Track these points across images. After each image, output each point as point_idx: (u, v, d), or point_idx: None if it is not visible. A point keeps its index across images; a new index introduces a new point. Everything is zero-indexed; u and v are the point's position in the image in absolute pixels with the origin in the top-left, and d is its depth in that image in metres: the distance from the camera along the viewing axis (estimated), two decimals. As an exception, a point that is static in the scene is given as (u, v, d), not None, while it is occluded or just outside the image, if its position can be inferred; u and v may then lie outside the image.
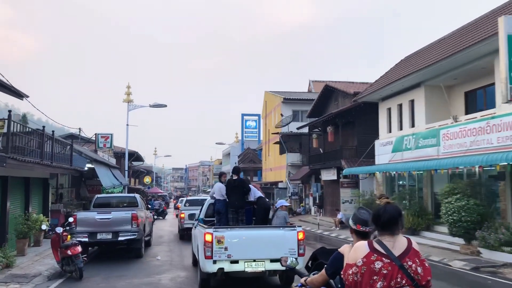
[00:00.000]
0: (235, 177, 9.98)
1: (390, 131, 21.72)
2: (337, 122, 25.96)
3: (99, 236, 12.64)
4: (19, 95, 17.05)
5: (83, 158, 20.25)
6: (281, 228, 8.76)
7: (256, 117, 72.15)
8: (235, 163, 64.64)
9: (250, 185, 10.23)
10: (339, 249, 3.21)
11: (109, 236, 12.65)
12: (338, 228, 23.33)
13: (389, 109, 21.84)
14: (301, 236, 8.49)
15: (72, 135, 34.21)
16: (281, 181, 39.62)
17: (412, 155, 18.56)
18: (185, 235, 19.53)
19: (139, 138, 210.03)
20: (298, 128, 33.34)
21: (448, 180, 17.06)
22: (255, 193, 10.07)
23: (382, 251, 2.61)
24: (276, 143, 41.28)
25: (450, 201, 13.98)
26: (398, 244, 2.64)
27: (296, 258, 4.67)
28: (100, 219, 12.65)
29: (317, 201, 31.55)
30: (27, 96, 17.37)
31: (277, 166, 42.41)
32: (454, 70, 16.85)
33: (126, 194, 17.47)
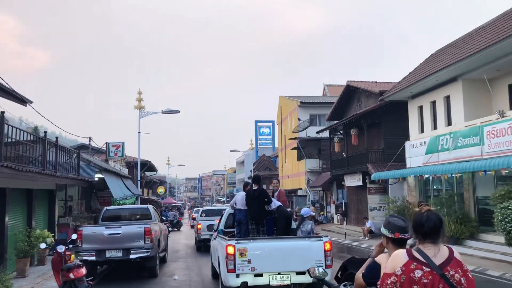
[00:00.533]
0: (255, 187, 9.35)
1: (422, 131, 20.02)
2: (362, 123, 24.29)
3: (108, 254, 11.14)
4: (22, 101, 15.90)
5: (92, 168, 18.87)
6: (306, 238, 8.37)
7: (270, 124, 71.03)
8: (250, 171, 63.12)
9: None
10: (375, 258, 3.09)
11: (120, 254, 11.14)
12: (367, 238, 21.57)
13: (421, 107, 20.15)
14: (328, 246, 8.05)
15: (83, 145, 33.09)
16: (300, 189, 37.93)
17: (450, 156, 16.84)
18: (202, 246, 18.63)
19: (151, 147, 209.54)
20: (317, 132, 31.71)
21: (494, 182, 15.33)
22: (274, 202, 9.42)
23: (422, 259, 2.52)
24: (293, 149, 39.68)
25: (507, 206, 12.22)
26: (439, 252, 2.55)
27: (324, 269, 4.29)
28: (109, 234, 11.16)
29: (341, 209, 29.81)
30: (31, 102, 16.23)
31: (294, 173, 40.75)
32: (497, 61, 15.21)
33: (138, 206, 15.90)
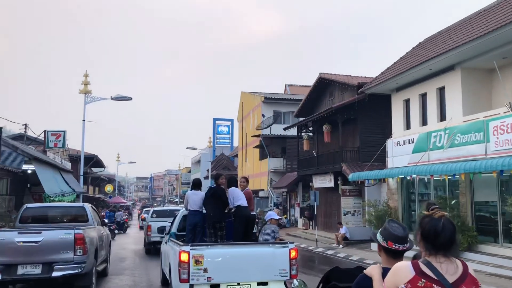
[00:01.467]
0: (214, 185, 8.69)
1: (408, 127, 17.94)
2: (336, 119, 22.00)
3: (21, 271, 7.98)
4: None
5: (19, 156, 15.36)
6: (270, 245, 7.60)
7: (229, 122, 68.79)
8: (207, 170, 60.09)
9: (235, 188, 8.61)
10: (365, 271, 2.63)
11: (38, 270, 8.00)
12: (341, 246, 19.23)
13: (407, 101, 18.07)
14: (293, 254, 7.38)
15: (20, 135, 28.96)
16: (262, 190, 35.37)
17: (444, 155, 14.76)
18: (152, 249, 17.56)
19: (100, 143, 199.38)
20: (285, 129, 29.25)
21: (497, 185, 13.34)
22: (236, 198, 8.38)
23: (432, 275, 2.15)
24: (256, 147, 37.10)
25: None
26: (451, 267, 2.18)
27: (303, 281, 3.56)
28: (24, 243, 7.99)
29: (307, 212, 27.50)
30: None
31: (256, 173, 38.16)
32: (505, 46, 13.26)
33: (71, 204, 12.37)
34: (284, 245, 7.41)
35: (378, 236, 2.67)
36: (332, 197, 23.90)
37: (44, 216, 10.47)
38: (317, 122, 24.45)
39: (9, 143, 15.55)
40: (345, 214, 21.16)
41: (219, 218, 8.28)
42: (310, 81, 26.39)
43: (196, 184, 8.95)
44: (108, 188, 56.73)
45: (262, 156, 36.48)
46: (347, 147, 22.31)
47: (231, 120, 68.44)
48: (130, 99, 24.46)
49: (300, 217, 29.15)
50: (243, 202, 8.35)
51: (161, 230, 15.98)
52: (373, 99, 20.74)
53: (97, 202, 55.38)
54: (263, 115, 35.91)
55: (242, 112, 45.30)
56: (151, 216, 19.31)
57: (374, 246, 18.02)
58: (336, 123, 22.29)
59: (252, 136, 37.19)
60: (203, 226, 8.49)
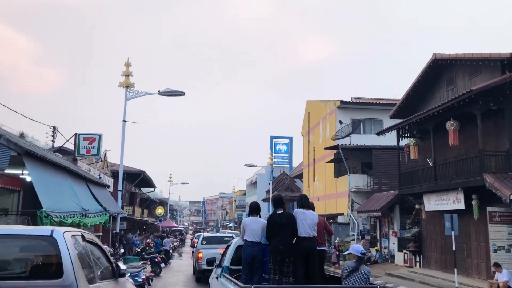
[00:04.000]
0: (279, 211, 7.01)
1: None
2: (472, 111, 15.16)
3: None
4: None
5: (3, 149, 9.79)
6: None
7: (287, 140, 63.42)
8: (266, 192, 54.03)
9: (300, 211, 7.02)
10: None
11: None
12: (504, 302, 12.13)
13: None
14: None
15: (61, 149, 24.16)
16: (341, 214, 28.55)
17: None
18: (202, 278, 16.13)
19: (150, 165, 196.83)
20: (378, 133, 22.39)
21: None
22: (299, 226, 6.82)
23: None
24: (329, 161, 30.52)
25: None
26: None
27: None
28: None
29: (412, 244, 20.49)
30: None
31: (330, 194, 31.48)
32: None
33: (27, 230, 5.40)
34: None
35: None
36: (460, 224, 16.82)
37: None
38: (432, 120, 17.64)
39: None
40: (495, 251, 14.05)
41: (291, 252, 6.72)
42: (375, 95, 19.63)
43: (254, 209, 7.37)
44: (159, 211, 52.13)
45: (339, 173, 29.82)
46: (489, 151, 15.37)
47: (290, 138, 62.90)
48: (182, 94, 19.35)
49: (399, 250, 22.06)
50: (304, 231, 6.70)
51: (210, 262, 14.08)
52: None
53: (145, 225, 50.59)
54: (340, 122, 29.46)
55: (308, 124, 39.05)
56: (201, 243, 18.36)
57: None
58: (470, 116, 15.48)
59: (325, 148, 30.65)
60: (262, 260, 7.04)
